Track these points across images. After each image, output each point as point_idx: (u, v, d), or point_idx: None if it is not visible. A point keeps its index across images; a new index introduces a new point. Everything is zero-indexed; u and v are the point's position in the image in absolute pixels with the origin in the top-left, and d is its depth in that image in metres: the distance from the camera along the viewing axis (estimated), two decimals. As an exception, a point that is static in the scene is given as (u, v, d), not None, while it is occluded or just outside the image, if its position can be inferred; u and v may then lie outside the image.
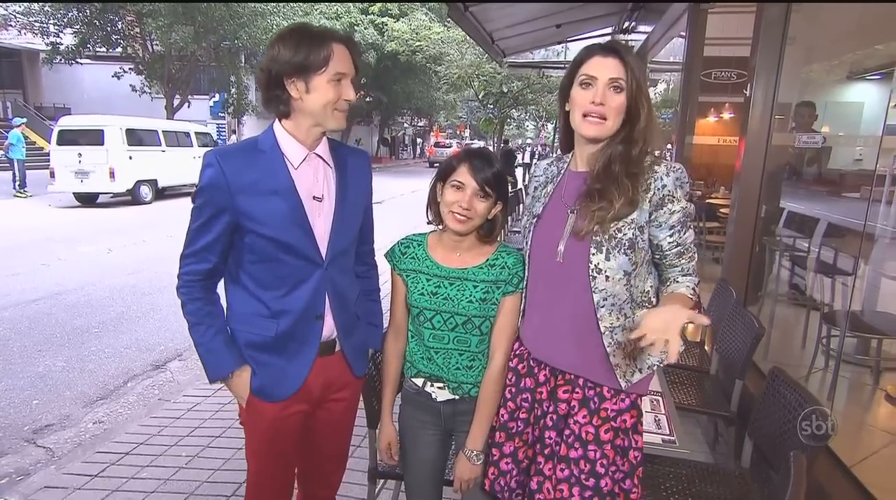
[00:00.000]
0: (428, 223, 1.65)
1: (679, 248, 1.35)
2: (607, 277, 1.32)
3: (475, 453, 1.55)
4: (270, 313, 1.48)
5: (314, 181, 1.49)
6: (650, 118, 1.34)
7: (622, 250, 1.31)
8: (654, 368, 1.40)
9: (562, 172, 1.47)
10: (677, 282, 1.37)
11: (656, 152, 1.38)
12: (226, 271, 1.52)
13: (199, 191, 1.42)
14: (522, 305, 1.55)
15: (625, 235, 1.31)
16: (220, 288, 1.54)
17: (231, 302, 1.53)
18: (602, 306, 1.35)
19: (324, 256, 1.50)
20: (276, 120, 1.48)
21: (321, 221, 1.49)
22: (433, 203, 1.60)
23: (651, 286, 1.40)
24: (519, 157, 15.65)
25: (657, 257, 1.38)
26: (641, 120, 1.32)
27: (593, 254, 1.32)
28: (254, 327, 1.49)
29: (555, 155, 1.55)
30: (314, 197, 1.48)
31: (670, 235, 1.33)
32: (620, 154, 1.32)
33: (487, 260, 1.57)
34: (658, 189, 1.30)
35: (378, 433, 1.75)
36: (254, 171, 1.42)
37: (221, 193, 1.39)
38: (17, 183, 13.41)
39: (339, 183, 1.54)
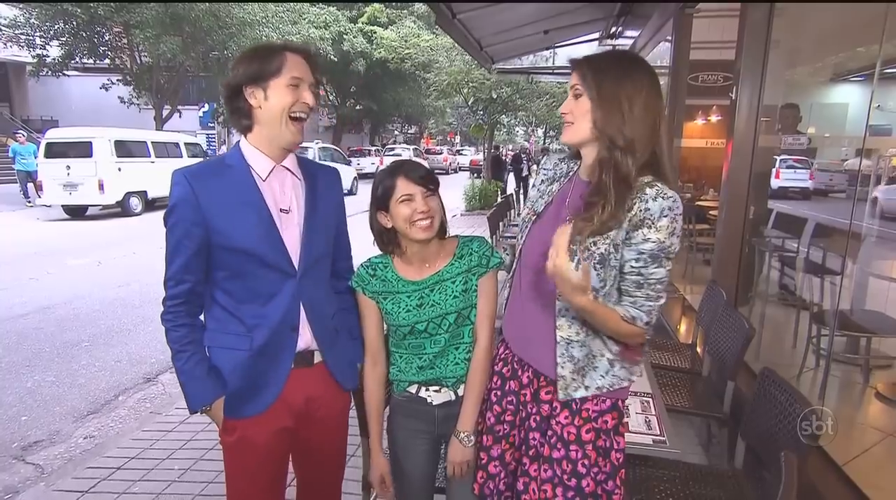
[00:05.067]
0: (385, 253, 1.63)
1: (638, 278, 1.28)
2: None
3: (465, 434, 1.55)
4: (246, 327, 1.48)
5: (281, 193, 1.50)
6: (630, 119, 1.27)
7: (592, 263, 1.28)
8: (603, 390, 1.36)
9: (569, 174, 1.45)
10: (622, 305, 1.31)
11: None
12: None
13: (170, 211, 1.42)
14: (506, 301, 1.56)
15: (598, 248, 1.28)
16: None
17: (206, 321, 1.52)
18: (563, 316, 1.35)
19: (296, 266, 1.50)
20: (242, 137, 1.50)
21: (290, 233, 1.50)
22: (384, 232, 1.59)
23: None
24: (524, 167, 15.57)
25: (620, 279, 1.32)
26: (610, 120, 1.28)
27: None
28: (228, 343, 1.49)
29: (567, 152, 1.50)
30: (281, 209, 1.49)
31: (635, 261, 1.27)
32: (608, 161, 1.29)
33: (455, 255, 1.60)
34: (641, 210, 1.24)
35: (369, 465, 1.72)
36: (221, 184, 1.44)
37: (192, 208, 1.40)
38: (23, 193, 13.84)
39: (308, 195, 1.55)
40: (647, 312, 1.30)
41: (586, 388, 1.36)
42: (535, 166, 16.36)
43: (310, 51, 1.52)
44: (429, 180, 1.55)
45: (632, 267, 1.28)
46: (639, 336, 1.33)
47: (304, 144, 18.86)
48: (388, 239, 1.60)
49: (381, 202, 1.55)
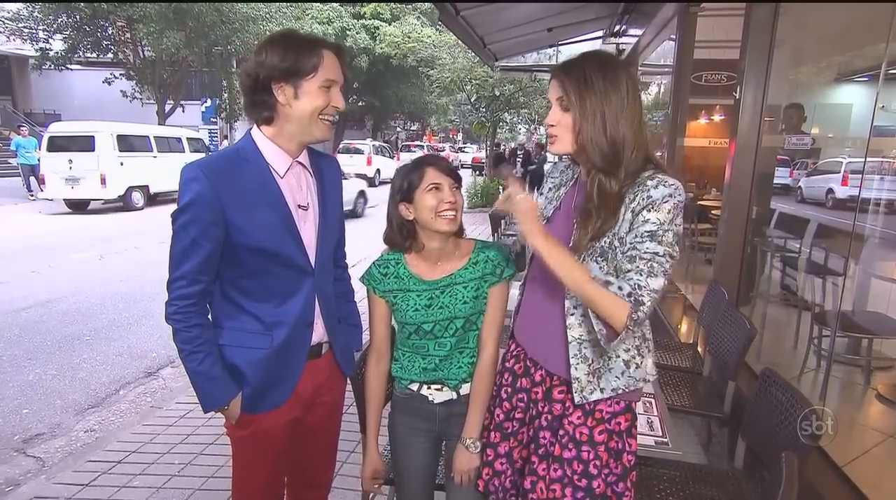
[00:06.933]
0: (398, 250, 1.61)
1: (632, 252, 1.21)
2: None
3: (471, 441, 1.55)
4: (265, 326, 1.45)
5: (299, 190, 1.48)
6: (615, 131, 1.26)
7: (593, 257, 1.29)
8: (620, 391, 1.35)
9: (574, 177, 1.45)
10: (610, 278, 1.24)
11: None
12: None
13: (184, 208, 1.33)
14: (518, 303, 1.56)
15: (599, 243, 1.28)
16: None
17: (220, 320, 1.47)
18: (572, 314, 1.34)
19: (313, 264, 1.49)
20: (255, 126, 1.44)
21: (307, 230, 1.48)
22: (403, 224, 1.56)
23: None
24: (517, 166, 15.25)
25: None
26: (592, 137, 1.27)
27: None
28: (245, 341, 1.46)
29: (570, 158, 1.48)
30: (299, 205, 1.46)
31: (633, 239, 1.23)
32: (594, 175, 1.30)
33: (470, 259, 1.59)
34: (643, 199, 1.23)
35: (363, 461, 1.73)
36: (241, 182, 1.37)
37: (211, 207, 1.33)
38: (26, 186, 13.93)
39: (319, 190, 1.53)
40: (633, 288, 1.17)
41: (601, 390, 1.35)
42: (531, 166, 15.97)
43: (343, 49, 1.47)
44: (456, 174, 1.56)
45: (629, 244, 1.23)
46: (618, 312, 1.18)
47: (359, 143, 21.35)
48: (406, 233, 1.57)
49: (405, 193, 1.53)
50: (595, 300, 1.19)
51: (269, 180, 1.41)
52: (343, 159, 14.40)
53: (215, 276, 1.42)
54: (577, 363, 1.35)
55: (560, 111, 1.32)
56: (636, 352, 1.36)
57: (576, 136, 1.30)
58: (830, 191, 5.00)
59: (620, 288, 1.18)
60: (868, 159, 2.79)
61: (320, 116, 1.40)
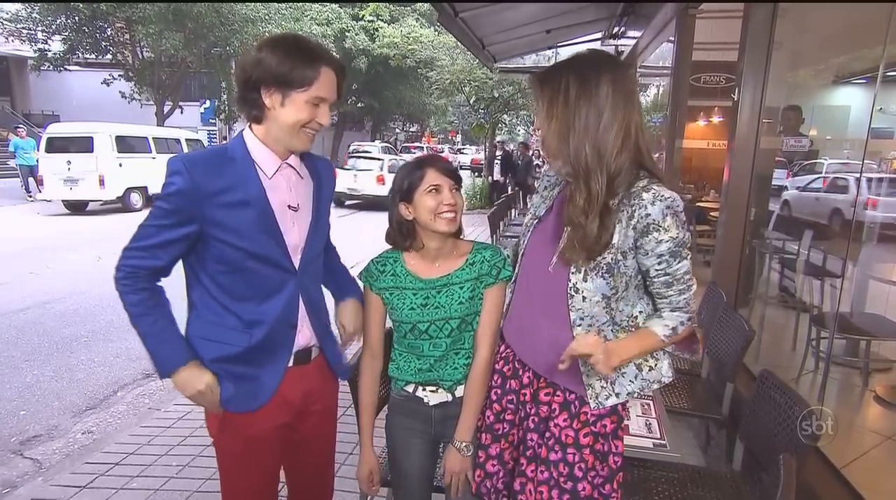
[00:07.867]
0: (398, 249, 1.62)
1: (666, 277, 1.30)
2: (584, 297, 1.32)
3: (465, 444, 1.55)
4: (244, 324, 1.43)
5: (287, 190, 1.46)
6: (587, 138, 1.25)
7: (600, 274, 1.29)
8: (635, 395, 1.38)
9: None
10: (660, 317, 1.34)
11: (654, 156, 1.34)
12: (194, 280, 1.46)
13: (165, 197, 1.36)
14: (508, 304, 1.56)
15: (603, 258, 1.28)
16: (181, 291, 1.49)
17: (200, 312, 1.46)
18: (578, 325, 1.34)
19: (297, 264, 1.47)
20: (247, 126, 1.44)
21: (296, 231, 1.47)
22: (403, 223, 1.57)
23: (640, 312, 1.37)
24: (496, 171, 14.36)
25: (647, 283, 1.34)
26: (560, 148, 1.28)
27: (572, 273, 1.32)
28: (224, 337, 1.44)
29: None
30: (289, 206, 1.45)
31: (657, 264, 1.28)
32: (570, 196, 1.30)
33: (467, 260, 1.59)
34: (642, 217, 1.24)
35: (359, 460, 1.72)
36: (224, 179, 1.37)
37: (191, 202, 1.33)
38: (25, 187, 13.97)
39: (315, 193, 1.52)
40: (684, 306, 1.33)
41: (617, 395, 1.36)
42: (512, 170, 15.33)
43: (344, 66, 1.45)
44: (456, 176, 1.57)
45: (657, 270, 1.29)
46: (685, 332, 1.36)
47: (368, 146, 22.13)
48: (406, 232, 1.58)
49: (405, 193, 1.54)
50: (673, 342, 1.36)
51: (254, 180, 1.40)
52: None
53: (172, 262, 1.41)
54: (589, 371, 1.35)
55: (539, 118, 1.34)
56: (648, 354, 1.38)
57: (543, 145, 1.34)
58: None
59: (682, 323, 1.33)
60: (852, 160, 2.80)
61: (302, 128, 1.39)
